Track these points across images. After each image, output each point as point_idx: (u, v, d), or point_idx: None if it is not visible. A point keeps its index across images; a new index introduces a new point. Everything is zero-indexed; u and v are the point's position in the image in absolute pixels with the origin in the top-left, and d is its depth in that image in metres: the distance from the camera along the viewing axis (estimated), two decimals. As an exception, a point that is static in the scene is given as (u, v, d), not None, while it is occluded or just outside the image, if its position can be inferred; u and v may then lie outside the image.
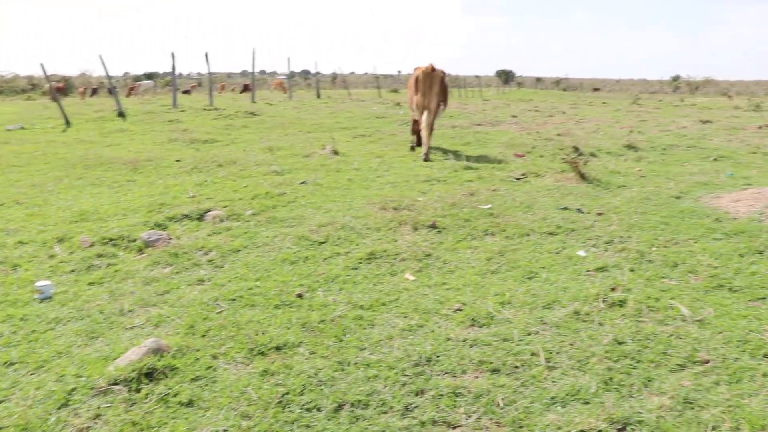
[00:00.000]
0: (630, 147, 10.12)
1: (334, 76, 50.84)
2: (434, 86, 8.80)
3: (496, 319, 3.36)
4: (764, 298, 3.68)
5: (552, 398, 2.62)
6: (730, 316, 3.42)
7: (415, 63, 12.25)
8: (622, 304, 3.54)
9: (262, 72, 66.77)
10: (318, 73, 37.71)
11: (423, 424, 2.45)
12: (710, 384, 2.74)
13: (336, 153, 8.92)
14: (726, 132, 13.29)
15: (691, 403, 2.58)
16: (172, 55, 17.89)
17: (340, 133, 12.02)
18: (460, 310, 3.48)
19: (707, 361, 2.94)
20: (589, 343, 3.07)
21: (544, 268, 4.18)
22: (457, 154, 9.07)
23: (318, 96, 26.45)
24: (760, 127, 14.02)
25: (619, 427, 2.43)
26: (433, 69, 8.81)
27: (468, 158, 8.60)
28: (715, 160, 9.26)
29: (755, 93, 46.11)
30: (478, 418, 2.49)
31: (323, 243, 4.66)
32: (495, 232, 4.99)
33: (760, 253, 4.46)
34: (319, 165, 8.06)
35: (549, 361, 2.91)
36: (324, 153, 8.91)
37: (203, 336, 3.16)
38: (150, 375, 2.73)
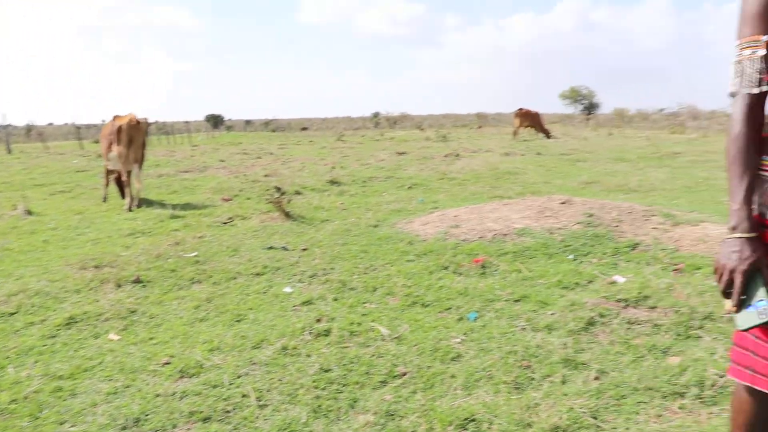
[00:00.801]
0: (333, 182, 10.67)
1: (28, 128, 46.82)
2: (138, 138, 8.61)
3: (205, 367, 3.32)
4: (450, 309, 4.10)
5: (263, 436, 2.65)
6: (423, 329, 3.75)
7: (118, 111, 11.75)
8: (327, 333, 3.70)
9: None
10: (9, 126, 34.41)
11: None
12: (408, 394, 2.98)
13: (29, 213, 8.21)
14: (419, 161, 14.59)
15: (393, 415, 2.78)
16: None
17: (35, 190, 11.09)
18: (168, 363, 3.39)
19: (405, 374, 3.19)
20: (297, 376, 3.17)
21: (252, 309, 4.23)
22: (163, 204, 8.85)
23: (9, 152, 24.13)
24: (446, 156, 15.61)
25: (325, 452, 2.53)
26: (137, 121, 8.59)
27: (174, 207, 8.44)
28: (409, 188, 10.13)
29: (443, 125, 51.25)
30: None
31: (14, 314, 4.25)
32: (202, 279, 4.95)
33: (446, 268, 4.97)
34: (9, 228, 7.35)
35: (260, 400, 2.94)
36: (15, 214, 8.16)
37: None
38: None
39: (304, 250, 5.74)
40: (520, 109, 25.43)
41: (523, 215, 6.19)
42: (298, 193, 9.43)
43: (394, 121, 57.25)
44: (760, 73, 1.69)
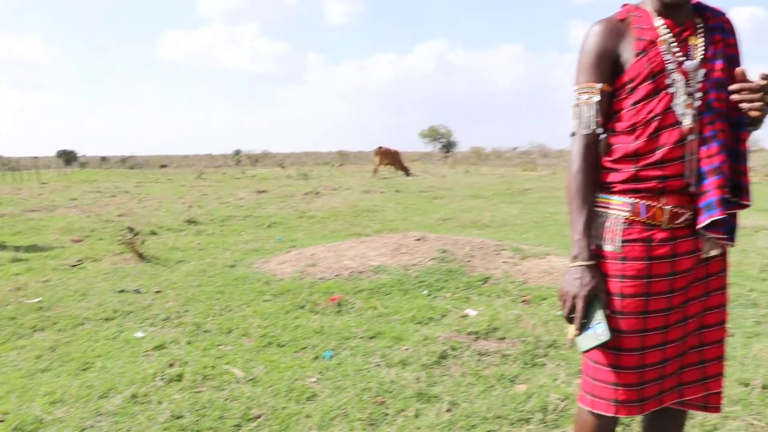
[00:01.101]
0: (190, 221, 10.42)
1: None
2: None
3: (45, 422, 3.12)
4: (306, 348, 4.10)
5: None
6: (279, 370, 3.73)
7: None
8: (179, 378, 3.59)
9: None
10: None
11: None
12: (262, 437, 2.94)
13: None
14: (279, 200, 14.55)
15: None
16: None
17: None
18: (2, 421, 3.16)
19: (259, 416, 3.15)
20: (147, 425, 3.05)
21: (100, 356, 4.03)
22: (3, 246, 8.28)
23: None
24: (306, 194, 15.66)
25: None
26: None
27: (17, 249, 7.92)
28: (268, 226, 10.07)
29: (305, 163, 51.40)
30: None
31: None
32: (45, 326, 4.66)
33: (302, 307, 4.97)
34: None
35: (104, 453, 2.81)
36: None
37: None
38: None
39: (158, 292, 5.55)
40: (380, 147, 25.99)
41: (379, 252, 6.31)
42: (153, 233, 9.13)
43: (256, 159, 56.84)
44: (595, 117, 1.88)
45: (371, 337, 4.31)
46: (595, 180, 1.91)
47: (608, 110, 1.91)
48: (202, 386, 3.50)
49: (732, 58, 1.93)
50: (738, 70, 1.77)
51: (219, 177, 28.62)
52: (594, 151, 1.91)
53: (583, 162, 1.89)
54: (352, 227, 10.01)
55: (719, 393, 2.02)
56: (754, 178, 25.00)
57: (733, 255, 7.39)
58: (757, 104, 1.75)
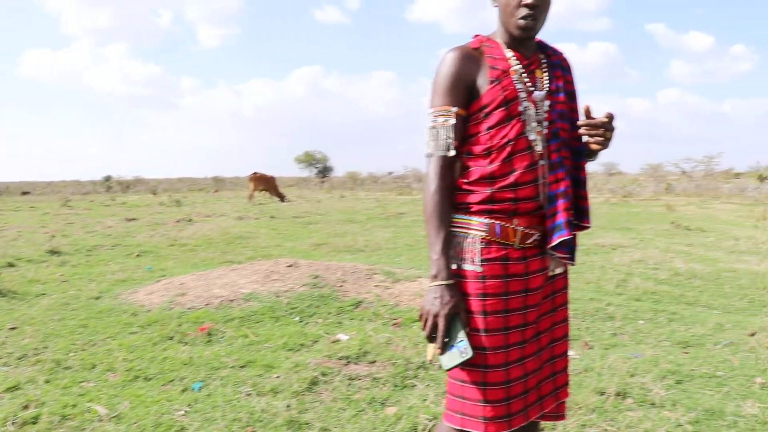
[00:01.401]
0: (53, 252, 9.90)
1: None
2: None
3: None
4: (174, 380, 4.01)
5: None
6: (145, 405, 3.62)
7: None
8: (35, 420, 3.41)
9: None
10: None
11: None
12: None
13: None
14: (149, 227, 14.08)
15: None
16: None
17: None
18: None
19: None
20: (-2, 471, 2.88)
21: (-55, 400, 3.76)
22: None
23: None
24: (178, 221, 15.25)
25: None
26: None
27: None
28: (137, 255, 9.73)
29: (179, 189, 50.00)
30: None
31: None
32: None
33: (171, 338, 4.85)
34: None
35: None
36: None
37: None
38: None
39: (13, 328, 5.23)
40: (255, 173, 25.73)
41: (250, 280, 6.26)
42: (10, 265, 8.60)
43: (127, 185, 54.72)
44: (451, 139, 1.96)
45: (242, 366, 4.27)
46: (451, 201, 1.99)
47: (463, 134, 1.99)
48: (60, 427, 3.35)
49: (571, 93, 2.13)
50: (585, 106, 1.98)
51: (87, 204, 27.31)
52: (450, 172, 1.99)
53: (440, 183, 1.95)
54: (225, 255, 9.86)
55: (565, 402, 2.19)
56: (613, 200, 26.68)
57: (592, 272, 7.89)
58: (599, 138, 1.96)
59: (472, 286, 1.96)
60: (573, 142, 2.09)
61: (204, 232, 12.78)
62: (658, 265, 8.56)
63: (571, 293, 6.43)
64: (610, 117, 1.95)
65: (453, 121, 1.96)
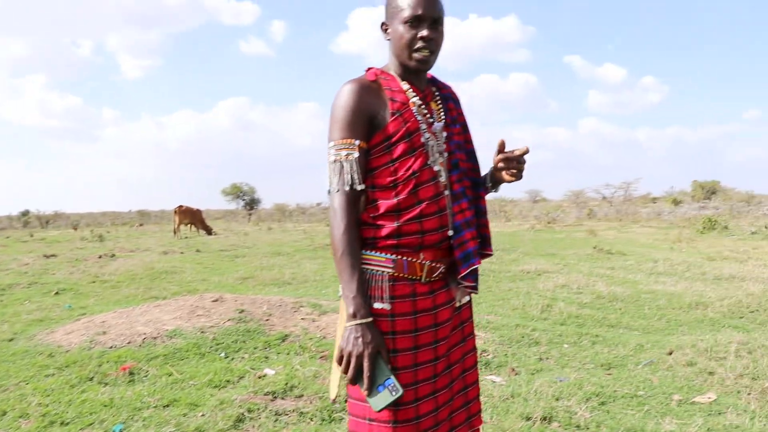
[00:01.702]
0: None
1: None
2: None
3: None
4: (93, 424, 3.85)
5: None
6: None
7: None
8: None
9: None
10: None
11: None
12: None
13: None
14: (70, 264, 13.60)
15: None
16: None
17: None
18: None
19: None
20: None
21: None
22: None
23: None
24: (100, 257, 14.80)
25: None
26: None
27: None
28: (56, 293, 9.38)
29: (102, 223, 48.65)
30: None
31: None
32: None
33: (91, 379, 4.67)
34: None
35: None
36: None
37: None
38: None
39: None
40: (180, 206, 25.27)
41: (174, 316, 6.11)
42: None
43: (47, 221, 52.97)
44: (356, 173, 1.91)
45: (165, 406, 4.15)
46: (359, 236, 1.94)
47: (365, 167, 1.96)
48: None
49: (464, 125, 2.19)
50: (501, 140, 2.01)
51: (2, 240, 26.23)
52: (356, 208, 1.94)
53: (349, 220, 1.90)
54: (149, 290, 9.60)
55: (479, 429, 2.20)
56: (538, 226, 27.29)
57: (518, 298, 8.03)
58: (514, 171, 2.02)
59: (382, 325, 1.91)
60: (470, 172, 2.14)
61: (127, 267, 12.44)
62: (582, 289, 8.79)
63: (498, 320, 6.54)
64: (526, 151, 2.00)
65: (356, 154, 1.92)
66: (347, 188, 1.91)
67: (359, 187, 1.92)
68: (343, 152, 1.92)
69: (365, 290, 1.89)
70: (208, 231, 25.81)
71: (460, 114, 2.19)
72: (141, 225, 44.14)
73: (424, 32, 1.97)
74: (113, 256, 15.14)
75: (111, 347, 5.41)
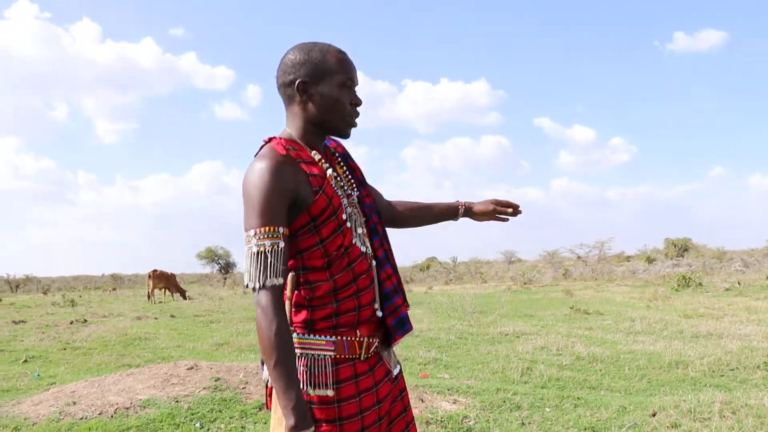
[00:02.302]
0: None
1: None
2: None
3: None
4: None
5: None
6: None
7: None
8: None
9: None
10: None
11: None
12: None
13: None
14: (39, 330, 13.30)
15: None
16: None
17: None
18: None
19: None
20: None
21: None
22: None
23: None
24: (71, 323, 14.49)
25: None
26: None
27: None
28: (24, 361, 9.13)
29: (75, 287, 47.89)
30: None
31: None
32: None
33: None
34: None
35: None
36: None
37: None
38: None
39: None
40: (154, 270, 25.00)
41: (148, 385, 5.94)
42: None
43: (17, 285, 52.10)
44: (282, 264, 1.72)
45: (137, 481, 3.99)
46: (289, 328, 1.74)
47: (295, 251, 1.82)
48: None
49: (364, 181, 2.11)
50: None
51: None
52: (282, 302, 1.75)
53: (280, 318, 1.70)
54: (122, 358, 9.38)
55: None
56: (514, 287, 27.32)
57: (497, 361, 7.96)
58: (506, 218, 2.27)
59: (326, 413, 1.80)
60: (378, 227, 2.06)
61: (100, 333, 12.19)
62: (561, 351, 8.73)
63: (478, 384, 6.45)
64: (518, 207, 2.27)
65: (282, 244, 1.72)
66: (274, 282, 1.70)
67: (284, 279, 1.74)
68: (267, 242, 1.71)
69: (297, 382, 1.71)
70: (183, 295, 25.50)
71: (360, 170, 2.12)
72: (114, 289, 43.50)
73: (357, 100, 1.92)
74: (85, 321, 14.84)
75: (81, 418, 5.22)
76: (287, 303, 1.84)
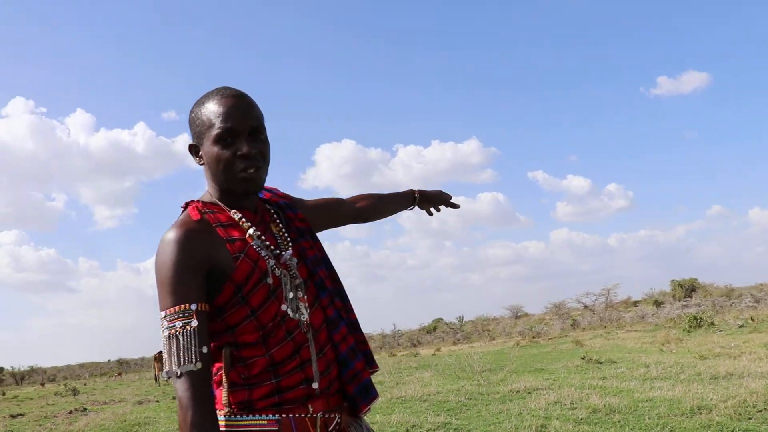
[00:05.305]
0: None
1: None
2: None
3: None
4: None
5: None
6: None
7: None
8: None
9: None
10: None
11: None
12: None
13: None
14: (37, 423, 12.97)
15: None
16: None
17: None
18: None
19: None
20: None
21: None
22: None
23: None
24: (71, 412, 14.12)
25: None
26: None
27: None
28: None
29: (80, 375, 47.33)
30: None
31: None
32: None
33: None
34: None
35: None
36: None
37: None
38: None
39: None
40: (160, 352, 24.63)
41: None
42: None
43: (22, 377, 51.45)
44: (198, 346, 1.49)
45: None
46: (213, 417, 1.48)
47: (224, 326, 1.60)
48: None
49: (308, 231, 1.87)
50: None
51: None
52: (208, 384, 1.51)
53: (204, 409, 1.45)
54: (119, 446, 9.01)
55: None
56: (522, 342, 26.88)
57: (509, 420, 7.61)
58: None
59: None
60: (335, 285, 1.82)
61: (98, 422, 11.79)
62: (576, 404, 8.36)
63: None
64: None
65: (195, 322, 1.49)
66: (191, 368, 1.46)
67: (203, 363, 1.49)
68: (178, 323, 1.49)
69: None
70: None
71: (302, 220, 1.87)
72: (119, 374, 42.98)
73: (243, 149, 1.62)
74: (85, 410, 14.47)
75: None
76: (224, 381, 1.60)
